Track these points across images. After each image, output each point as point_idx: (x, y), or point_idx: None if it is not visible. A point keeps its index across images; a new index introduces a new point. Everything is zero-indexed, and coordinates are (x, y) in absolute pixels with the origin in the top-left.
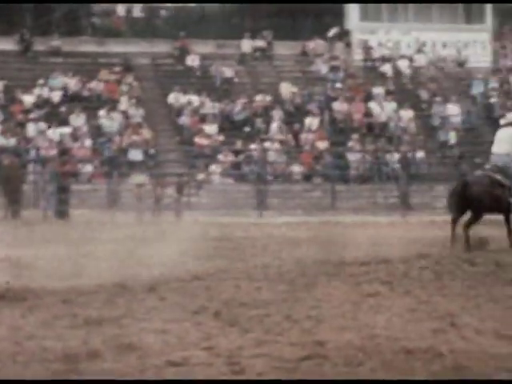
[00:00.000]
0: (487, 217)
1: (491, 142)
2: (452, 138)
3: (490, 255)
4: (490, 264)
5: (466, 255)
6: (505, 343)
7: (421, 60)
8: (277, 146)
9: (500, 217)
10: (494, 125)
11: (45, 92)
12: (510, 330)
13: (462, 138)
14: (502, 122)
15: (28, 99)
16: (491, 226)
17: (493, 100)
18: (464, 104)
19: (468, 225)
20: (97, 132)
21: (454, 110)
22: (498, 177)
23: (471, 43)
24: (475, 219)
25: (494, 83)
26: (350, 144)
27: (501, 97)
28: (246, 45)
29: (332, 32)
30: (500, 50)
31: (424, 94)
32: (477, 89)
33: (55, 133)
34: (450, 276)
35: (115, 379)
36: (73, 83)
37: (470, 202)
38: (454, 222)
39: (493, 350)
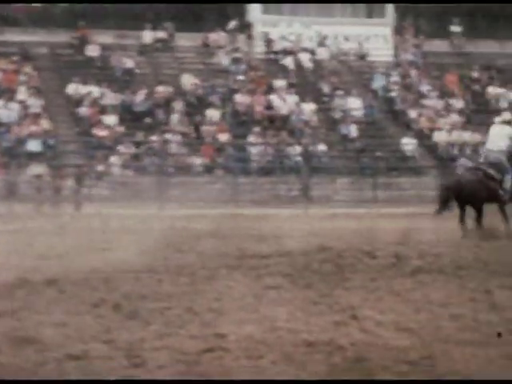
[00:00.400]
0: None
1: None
2: (353, 131)
3: (389, 248)
4: (390, 257)
5: (366, 248)
6: (405, 335)
7: (322, 53)
8: (178, 137)
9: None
10: (395, 118)
11: None
12: (409, 322)
13: (363, 131)
14: (496, 120)
15: None
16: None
17: (394, 94)
18: (365, 97)
19: (478, 219)
20: None
21: (355, 104)
22: (490, 171)
23: (372, 37)
24: (477, 211)
25: (395, 77)
26: (252, 136)
27: (402, 91)
28: (147, 36)
29: (232, 24)
30: (401, 44)
31: (326, 88)
32: (378, 82)
33: None
34: (350, 269)
35: (115, 379)
36: None
37: (465, 195)
38: (439, 213)
39: (393, 342)
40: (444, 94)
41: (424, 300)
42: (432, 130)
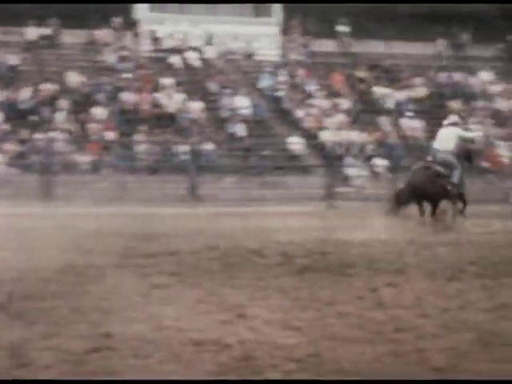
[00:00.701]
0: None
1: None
2: (241, 130)
3: (277, 247)
4: (278, 255)
5: (254, 247)
6: (293, 334)
7: (210, 52)
8: (63, 135)
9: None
10: (282, 117)
11: None
12: (297, 320)
13: (250, 130)
14: (444, 122)
15: None
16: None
17: (281, 93)
18: (253, 97)
19: (433, 213)
20: None
21: (242, 103)
22: (439, 168)
23: (260, 36)
24: (432, 207)
25: (282, 76)
26: (139, 135)
27: (289, 90)
28: (32, 32)
29: (116, 22)
30: (288, 44)
31: (213, 86)
32: (265, 82)
33: None
34: (238, 267)
35: (115, 379)
36: None
37: (419, 194)
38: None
39: (281, 341)
40: (331, 93)
41: (311, 298)
42: (319, 129)
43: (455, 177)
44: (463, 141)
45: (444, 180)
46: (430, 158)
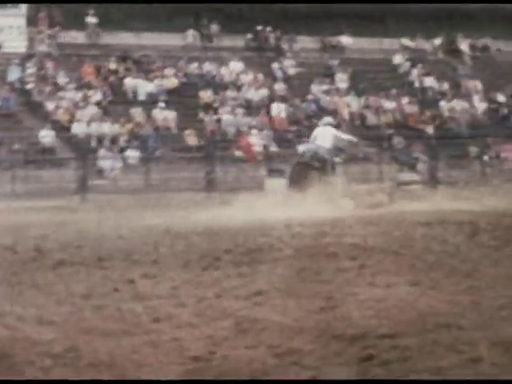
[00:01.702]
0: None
1: None
2: None
3: (30, 242)
4: (31, 250)
5: (7, 242)
6: (48, 329)
7: None
8: None
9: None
10: (32, 110)
11: None
12: (51, 315)
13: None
14: (319, 123)
15: None
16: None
17: (30, 86)
18: (1, 90)
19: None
20: None
21: None
22: (313, 162)
23: (7, 28)
24: None
25: (30, 69)
26: None
27: (38, 82)
28: None
29: None
30: (36, 35)
31: None
32: (14, 74)
33: None
34: None
35: (115, 379)
36: None
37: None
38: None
39: (36, 336)
40: (82, 85)
41: (67, 292)
42: (71, 121)
43: (329, 170)
44: (339, 141)
45: (317, 171)
46: (306, 154)
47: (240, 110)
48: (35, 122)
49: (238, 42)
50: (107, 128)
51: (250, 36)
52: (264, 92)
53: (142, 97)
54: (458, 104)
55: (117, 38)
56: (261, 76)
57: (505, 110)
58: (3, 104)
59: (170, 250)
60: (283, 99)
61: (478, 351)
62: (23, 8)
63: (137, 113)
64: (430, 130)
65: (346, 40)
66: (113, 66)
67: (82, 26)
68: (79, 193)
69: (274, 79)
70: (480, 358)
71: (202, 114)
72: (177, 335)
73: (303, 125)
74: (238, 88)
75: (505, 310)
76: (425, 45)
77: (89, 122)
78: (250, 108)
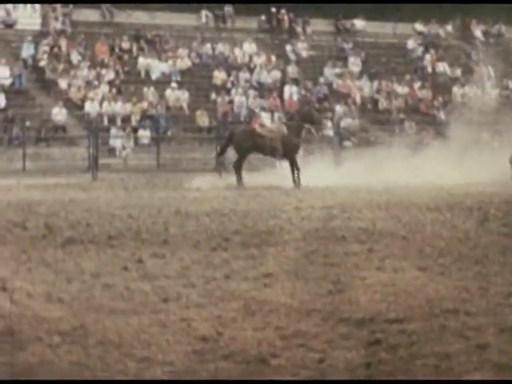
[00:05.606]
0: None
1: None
2: (1, 100)
3: (40, 219)
4: (41, 228)
5: (17, 219)
6: (56, 306)
7: None
8: None
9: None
10: (45, 88)
11: None
12: (60, 292)
13: (11, 100)
14: None
15: None
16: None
17: (43, 63)
18: (14, 66)
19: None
20: None
21: (3, 73)
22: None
23: (21, 5)
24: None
25: (44, 46)
26: None
27: (51, 60)
28: None
29: None
30: (50, 13)
31: None
32: (27, 51)
33: None
34: (1, 240)
35: (115, 379)
36: None
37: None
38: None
39: (44, 314)
40: (94, 64)
41: (76, 270)
42: (83, 100)
43: None
44: None
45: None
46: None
47: (252, 92)
48: (47, 99)
49: (252, 23)
50: (119, 107)
51: (263, 18)
52: (276, 74)
53: (154, 76)
54: (471, 90)
55: (130, 17)
56: (273, 58)
57: None
58: (15, 81)
59: (180, 231)
60: (295, 82)
61: (485, 337)
62: None
63: (149, 92)
64: (441, 115)
65: (359, 23)
66: (126, 45)
67: (96, 4)
68: (90, 171)
69: (287, 61)
70: (487, 344)
71: (214, 95)
72: (185, 315)
73: (315, 108)
74: (251, 70)
75: None
76: (438, 30)
77: (101, 101)
78: (262, 90)
